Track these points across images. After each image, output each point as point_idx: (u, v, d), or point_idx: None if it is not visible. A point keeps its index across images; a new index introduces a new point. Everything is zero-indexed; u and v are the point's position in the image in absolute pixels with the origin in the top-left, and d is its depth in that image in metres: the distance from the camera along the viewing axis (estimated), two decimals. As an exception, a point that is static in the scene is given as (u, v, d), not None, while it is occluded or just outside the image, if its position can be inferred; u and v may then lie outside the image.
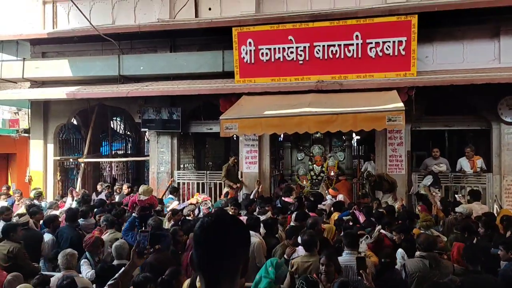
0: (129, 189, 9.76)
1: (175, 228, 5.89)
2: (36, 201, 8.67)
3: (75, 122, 12.68)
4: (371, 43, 8.88)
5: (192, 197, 9.43)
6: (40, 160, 11.46)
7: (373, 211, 7.02)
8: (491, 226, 5.67)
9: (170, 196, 9.33)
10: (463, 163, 9.23)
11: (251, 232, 5.50)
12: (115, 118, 13.97)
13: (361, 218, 6.82)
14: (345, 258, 4.56)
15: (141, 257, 2.85)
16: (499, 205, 8.39)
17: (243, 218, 6.24)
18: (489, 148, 9.24)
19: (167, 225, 6.80)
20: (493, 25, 8.92)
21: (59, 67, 10.74)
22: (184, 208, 7.71)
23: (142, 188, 6.78)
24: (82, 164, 11.61)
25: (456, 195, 8.48)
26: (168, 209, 7.73)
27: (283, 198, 8.29)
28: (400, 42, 8.72)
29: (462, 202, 7.61)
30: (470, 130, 10.14)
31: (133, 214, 6.23)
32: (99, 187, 10.56)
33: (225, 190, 9.85)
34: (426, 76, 8.71)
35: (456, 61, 9.04)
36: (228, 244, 1.45)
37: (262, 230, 6.00)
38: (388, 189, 8.71)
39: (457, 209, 6.68)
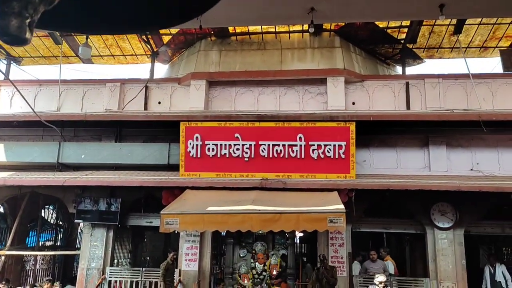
0: None
1: None
2: None
3: (1, 210, 11.69)
4: (314, 145, 9.31)
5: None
6: (-46, 251, 10.25)
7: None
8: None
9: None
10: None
11: None
12: (47, 206, 13.08)
13: None
14: None
15: None
16: (437, 311, 8.42)
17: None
18: (425, 252, 9.50)
19: None
20: (423, 136, 9.74)
21: (-7, 151, 10.17)
22: None
23: None
24: (3, 257, 10.49)
25: None
26: None
27: None
28: (340, 146, 9.21)
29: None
30: (406, 233, 10.47)
31: None
32: None
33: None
34: (365, 179, 9.12)
35: (391, 166, 9.63)
36: None
37: None
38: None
39: None
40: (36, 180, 9.54)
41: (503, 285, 9.01)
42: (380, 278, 8.27)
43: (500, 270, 9.11)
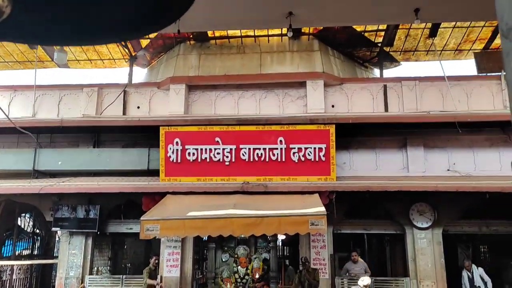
0: None
1: None
2: None
3: (-25, 219, 11.33)
4: (294, 148, 9.35)
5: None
6: None
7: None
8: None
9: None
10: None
11: None
12: (23, 214, 12.75)
13: None
14: None
15: None
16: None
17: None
18: (405, 252, 9.63)
19: None
20: (401, 137, 9.89)
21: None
22: None
23: None
24: (-23, 268, 10.19)
25: None
26: None
27: None
28: (320, 149, 9.27)
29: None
30: (386, 234, 10.60)
31: None
32: None
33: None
34: (345, 181, 9.20)
35: (371, 168, 9.74)
36: None
37: None
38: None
39: None
40: (12, 188, 9.31)
41: None
42: (365, 280, 8.35)
43: (478, 274, 9.17)
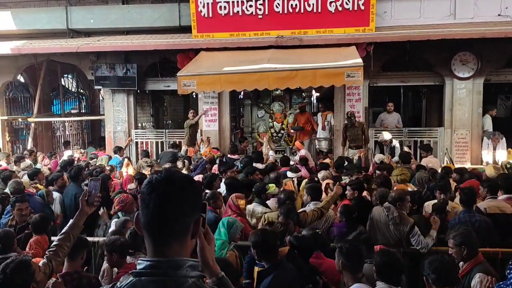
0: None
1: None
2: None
3: (22, 80, 11.92)
4: (331, -4, 8.78)
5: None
6: (-14, 121, 10.80)
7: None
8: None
9: (116, 156, 9.00)
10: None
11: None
12: (66, 75, 13.26)
13: (303, 172, 6.85)
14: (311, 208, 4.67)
15: (91, 205, 2.65)
16: (449, 158, 8.77)
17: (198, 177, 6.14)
18: (442, 103, 9.54)
19: None
20: (451, -20, 8.96)
21: (1, 19, 9.93)
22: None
23: None
24: (32, 124, 11.04)
25: (404, 146, 8.81)
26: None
27: (228, 155, 8.33)
28: (359, -4, 8.66)
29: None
30: (424, 86, 10.39)
31: None
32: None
33: (184, 148, 9.69)
34: (384, 32, 8.74)
35: (414, 16, 9.07)
36: (176, 202, 1.35)
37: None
38: (357, 145, 8.88)
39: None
40: (50, 47, 9.49)
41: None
42: (383, 136, 8.54)
43: (487, 122, 9.23)
